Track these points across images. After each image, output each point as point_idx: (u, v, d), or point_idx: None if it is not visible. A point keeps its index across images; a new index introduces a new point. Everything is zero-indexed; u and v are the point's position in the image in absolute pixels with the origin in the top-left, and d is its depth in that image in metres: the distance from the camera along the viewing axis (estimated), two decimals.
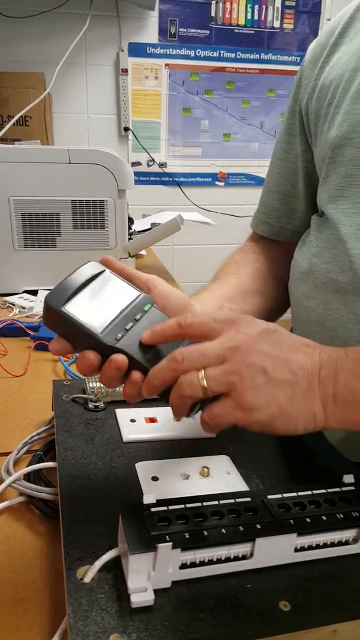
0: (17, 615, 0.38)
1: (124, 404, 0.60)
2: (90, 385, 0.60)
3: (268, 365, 0.38)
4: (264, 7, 2.18)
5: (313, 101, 0.59)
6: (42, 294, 1.08)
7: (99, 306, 0.42)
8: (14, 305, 1.08)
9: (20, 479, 0.51)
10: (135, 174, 1.38)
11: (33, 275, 1.16)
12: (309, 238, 0.60)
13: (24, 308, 1.06)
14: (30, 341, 0.90)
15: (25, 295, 1.12)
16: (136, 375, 0.40)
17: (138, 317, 0.43)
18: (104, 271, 0.45)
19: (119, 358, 0.39)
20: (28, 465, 0.53)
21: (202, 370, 0.38)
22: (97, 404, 0.59)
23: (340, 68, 0.56)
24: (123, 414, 0.58)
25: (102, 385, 0.60)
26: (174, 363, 0.38)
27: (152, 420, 0.57)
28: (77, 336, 0.41)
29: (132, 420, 0.57)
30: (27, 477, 0.52)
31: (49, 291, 0.41)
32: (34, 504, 0.49)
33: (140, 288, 0.46)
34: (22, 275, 1.16)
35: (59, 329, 0.42)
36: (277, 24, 2.22)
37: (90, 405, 0.59)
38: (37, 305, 1.05)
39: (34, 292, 1.12)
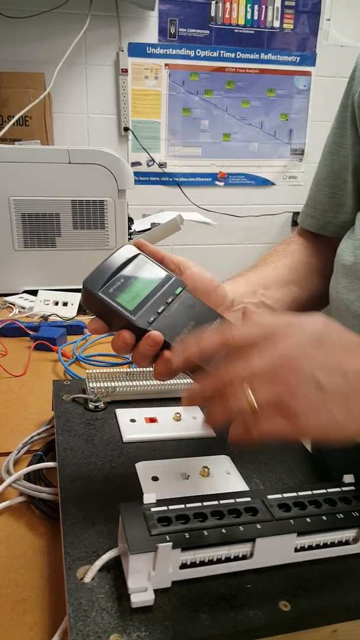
0: (17, 615, 0.38)
1: (124, 404, 0.61)
2: (91, 385, 0.60)
3: (319, 374, 0.36)
4: (263, 7, 2.18)
5: None
6: (42, 294, 1.08)
7: (132, 289, 0.44)
8: (14, 305, 1.08)
9: (20, 479, 0.51)
10: (135, 174, 1.37)
11: (33, 275, 1.16)
12: (354, 232, 0.60)
13: (24, 308, 1.06)
14: (30, 341, 0.90)
15: (25, 295, 1.12)
16: (167, 353, 0.42)
17: (170, 300, 0.45)
18: (138, 255, 0.47)
19: (156, 335, 0.41)
20: (28, 466, 0.53)
21: (248, 383, 0.36)
22: (97, 404, 0.59)
23: None
24: (123, 414, 0.58)
25: (102, 385, 0.61)
26: (219, 380, 0.37)
27: (152, 420, 0.57)
28: (112, 318, 0.43)
29: (132, 420, 0.57)
30: (27, 477, 0.52)
31: (87, 275, 0.44)
32: (34, 503, 0.49)
33: (172, 271, 0.48)
34: (22, 275, 1.16)
35: (96, 310, 0.44)
36: (277, 24, 2.22)
37: (90, 405, 0.59)
38: (37, 305, 1.05)
39: (34, 292, 1.12)
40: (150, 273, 0.46)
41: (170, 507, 0.37)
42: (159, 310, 0.43)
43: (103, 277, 0.44)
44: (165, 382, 0.62)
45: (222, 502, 0.38)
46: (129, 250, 0.47)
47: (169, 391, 0.63)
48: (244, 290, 0.56)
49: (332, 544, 0.38)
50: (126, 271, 0.45)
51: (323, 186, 0.68)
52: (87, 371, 0.63)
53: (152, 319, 0.43)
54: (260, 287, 0.58)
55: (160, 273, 0.47)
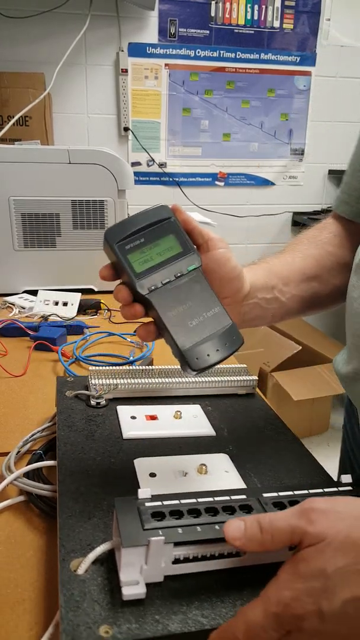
0: (17, 615, 0.38)
1: (125, 401, 0.61)
2: (93, 381, 0.61)
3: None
4: (263, 7, 2.18)
5: None
6: (42, 294, 1.08)
7: (148, 253, 0.44)
8: (14, 305, 1.08)
9: (20, 477, 0.51)
10: (135, 174, 1.37)
11: (33, 275, 1.16)
12: None
13: (24, 308, 1.06)
14: (30, 341, 0.90)
15: (25, 295, 1.12)
16: (152, 327, 0.44)
17: (179, 274, 0.44)
18: (169, 218, 0.45)
19: (137, 309, 0.43)
20: (28, 464, 0.53)
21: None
22: (99, 400, 0.60)
23: None
24: (124, 411, 0.59)
25: (104, 382, 0.61)
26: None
27: (153, 417, 0.58)
28: (120, 271, 0.44)
29: (133, 418, 0.57)
30: (27, 475, 0.52)
31: (111, 225, 0.45)
32: (33, 501, 0.50)
33: (198, 245, 0.47)
34: (22, 275, 1.16)
35: (110, 259, 0.45)
36: (277, 24, 2.22)
37: (92, 402, 0.59)
38: (37, 305, 1.05)
39: (34, 292, 1.12)
40: (171, 242, 0.45)
41: (165, 503, 0.37)
42: (164, 282, 0.43)
43: (125, 232, 0.44)
44: (168, 380, 0.63)
45: (216, 499, 0.38)
46: (162, 211, 0.45)
47: (171, 389, 0.63)
48: (262, 283, 0.55)
49: None
50: (150, 232, 0.44)
51: (358, 171, 0.65)
52: (91, 368, 0.64)
53: (153, 287, 0.43)
54: (280, 281, 0.57)
55: (181, 244, 0.45)
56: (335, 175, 2.46)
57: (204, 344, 0.42)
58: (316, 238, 0.65)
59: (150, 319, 0.45)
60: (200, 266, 0.45)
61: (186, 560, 0.36)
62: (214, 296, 0.45)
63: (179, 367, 0.65)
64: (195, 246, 0.46)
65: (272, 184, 2.42)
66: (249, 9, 2.17)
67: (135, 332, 0.67)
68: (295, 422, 2.13)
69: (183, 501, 0.37)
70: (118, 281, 0.46)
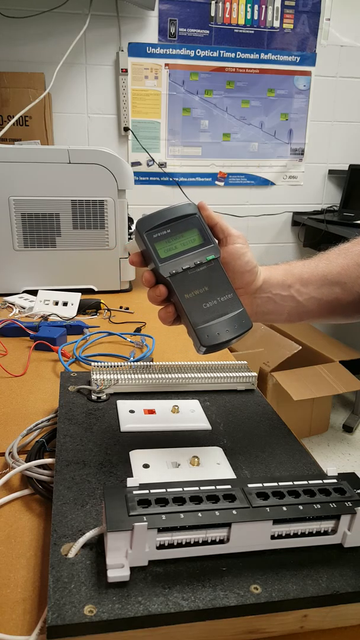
0: (17, 615, 0.38)
1: (126, 395, 0.63)
2: (95, 377, 0.62)
3: None
4: (263, 7, 2.18)
5: None
6: (42, 294, 1.08)
7: (173, 242, 0.49)
8: (14, 305, 1.08)
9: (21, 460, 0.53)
10: (135, 173, 1.38)
11: (33, 275, 1.16)
12: None
13: (24, 308, 1.06)
14: (30, 341, 0.90)
15: (25, 295, 1.12)
16: (171, 309, 0.49)
17: (198, 262, 0.49)
18: (194, 214, 0.51)
19: (161, 289, 0.48)
20: (30, 451, 0.55)
21: None
22: (99, 395, 0.61)
23: None
24: (123, 405, 0.60)
25: (106, 377, 0.63)
26: None
27: (151, 411, 0.59)
28: (147, 258, 0.50)
29: (132, 411, 0.59)
30: (29, 460, 0.53)
31: (144, 216, 0.50)
32: (32, 484, 0.51)
33: (219, 239, 0.52)
34: (22, 275, 1.16)
35: (140, 246, 0.50)
36: (276, 23, 2.22)
37: (93, 396, 0.61)
38: (37, 305, 1.05)
39: (34, 292, 1.12)
40: (195, 235, 0.50)
41: (152, 491, 0.39)
42: (184, 267, 0.48)
43: (154, 223, 0.49)
44: (168, 376, 0.64)
45: (202, 488, 0.40)
46: (188, 208, 0.51)
47: (172, 385, 0.64)
48: (278, 281, 0.56)
49: (310, 534, 0.39)
50: (176, 225, 0.50)
51: None
52: (93, 363, 0.66)
53: (174, 271, 0.48)
54: (298, 281, 0.57)
55: (203, 237, 0.50)
56: (335, 175, 2.46)
57: (215, 324, 0.47)
58: (348, 249, 0.65)
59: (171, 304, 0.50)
60: (218, 257, 0.50)
61: (170, 546, 0.37)
62: (228, 284, 0.49)
63: (179, 363, 0.67)
64: (216, 240, 0.52)
65: (272, 183, 2.42)
66: (249, 9, 2.17)
67: (136, 331, 0.67)
68: (295, 422, 2.13)
69: (169, 490, 0.39)
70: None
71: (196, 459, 0.49)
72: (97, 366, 0.64)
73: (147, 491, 0.39)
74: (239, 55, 2.22)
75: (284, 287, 0.57)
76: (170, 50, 2.16)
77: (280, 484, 0.41)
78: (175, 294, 0.48)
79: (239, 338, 0.48)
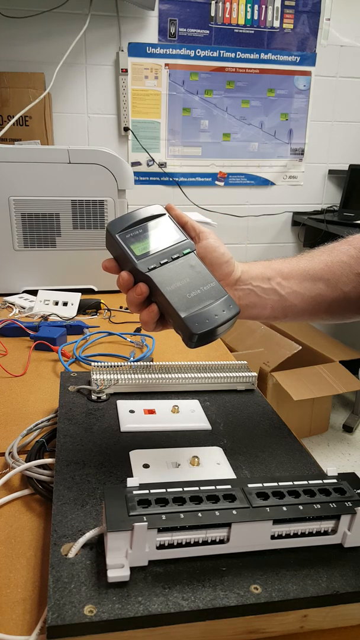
0: (17, 615, 0.38)
1: (126, 395, 0.63)
2: (95, 377, 0.62)
3: None
4: (263, 6, 2.18)
5: None
6: (42, 294, 1.08)
7: (146, 241, 0.49)
8: (13, 305, 1.08)
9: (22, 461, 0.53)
10: (135, 173, 1.38)
11: (33, 275, 1.16)
12: None
13: (24, 308, 1.06)
14: (30, 341, 0.90)
15: (25, 295, 1.12)
16: (154, 307, 0.47)
17: (175, 256, 0.49)
18: (163, 214, 0.52)
19: (142, 287, 0.47)
20: (30, 451, 0.55)
21: None
22: (99, 395, 0.61)
23: None
24: (123, 405, 0.60)
25: (106, 377, 0.63)
26: None
27: (151, 411, 0.59)
28: (122, 259, 0.49)
29: (131, 411, 0.59)
30: (29, 461, 0.53)
31: (111, 220, 0.51)
32: (32, 484, 0.51)
33: (191, 237, 0.52)
34: (22, 275, 1.16)
35: (113, 251, 0.50)
36: (276, 23, 2.22)
37: (93, 396, 0.61)
38: (36, 305, 1.05)
39: (34, 292, 1.12)
40: (167, 232, 0.50)
41: (152, 491, 0.39)
42: (162, 262, 0.48)
43: (124, 224, 0.49)
44: (168, 376, 0.64)
45: (202, 488, 0.40)
46: (156, 209, 0.51)
47: (172, 384, 0.64)
48: (258, 273, 0.56)
49: (310, 534, 0.39)
50: (147, 225, 0.50)
51: None
52: (93, 363, 0.66)
53: (152, 266, 0.47)
54: (278, 275, 0.57)
55: (176, 234, 0.51)
56: (335, 175, 2.46)
57: (202, 311, 0.46)
58: (334, 248, 0.64)
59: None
60: (194, 250, 0.50)
61: (170, 546, 0.37)
62: (209, 273, 0.49)
63: (179, 363, 0.66)
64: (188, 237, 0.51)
65: (272, 183, 2.42)
66: (249, 9, 2.17)
67: (136, 331, 0.66)
68: (295, 422, 2.13)
69: (169, 490, 0.39)
70: (122, 286, 0.49)
71: (196, 459, 0.49)
72: (97, 366, 0.64)
73: (147, 491, 0.39)
74: (239, 55, 2.22)
75: (264, 280, 0.56)
76: (170, 50, 2.16)
77: (280, 484, 0.41)
78: (157, 288, 0.46)
79: (230, 324, 0.47)
